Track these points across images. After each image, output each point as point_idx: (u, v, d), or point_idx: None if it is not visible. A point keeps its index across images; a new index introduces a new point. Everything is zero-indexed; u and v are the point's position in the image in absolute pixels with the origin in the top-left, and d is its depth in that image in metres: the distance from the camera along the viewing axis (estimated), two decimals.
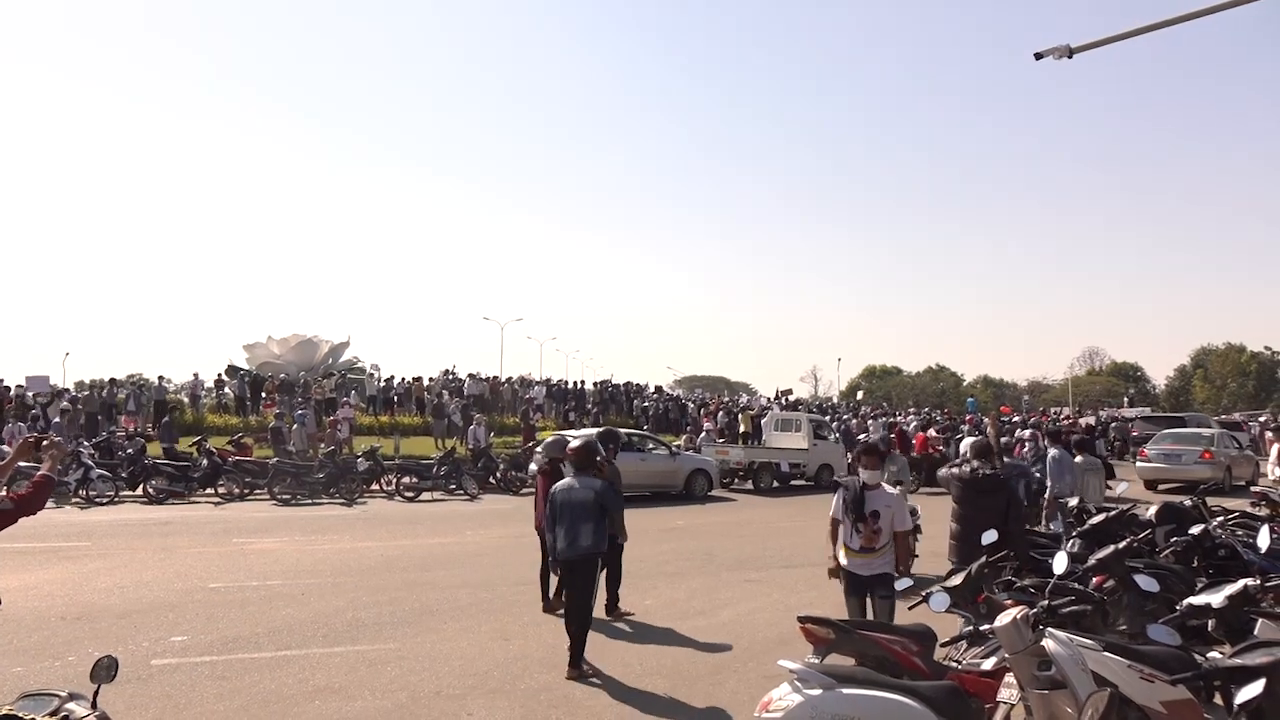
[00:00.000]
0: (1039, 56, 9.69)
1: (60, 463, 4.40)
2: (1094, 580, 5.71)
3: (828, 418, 30.15)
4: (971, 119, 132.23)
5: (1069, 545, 7.11)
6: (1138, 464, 21.80)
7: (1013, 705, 4.12)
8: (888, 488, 6.24)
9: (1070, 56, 9.64)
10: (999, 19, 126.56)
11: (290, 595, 9.11)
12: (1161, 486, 20.05)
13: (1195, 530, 7.49)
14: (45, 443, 4.35)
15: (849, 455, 16.52)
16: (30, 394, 23.76)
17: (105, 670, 3.30)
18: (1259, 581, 4.90)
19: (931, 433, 26.43)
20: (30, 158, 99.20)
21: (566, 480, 6.94)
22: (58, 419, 20.51)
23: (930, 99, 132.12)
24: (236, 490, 18.01)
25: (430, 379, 33.70)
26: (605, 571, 7.93)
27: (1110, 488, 12.62)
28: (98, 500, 16.42)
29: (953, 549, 7.25)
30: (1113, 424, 33.65)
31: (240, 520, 15.06)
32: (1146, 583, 5.22)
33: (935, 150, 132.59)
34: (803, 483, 22.48)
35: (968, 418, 35.70)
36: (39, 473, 4.05)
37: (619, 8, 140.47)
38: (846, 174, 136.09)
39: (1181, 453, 20.79)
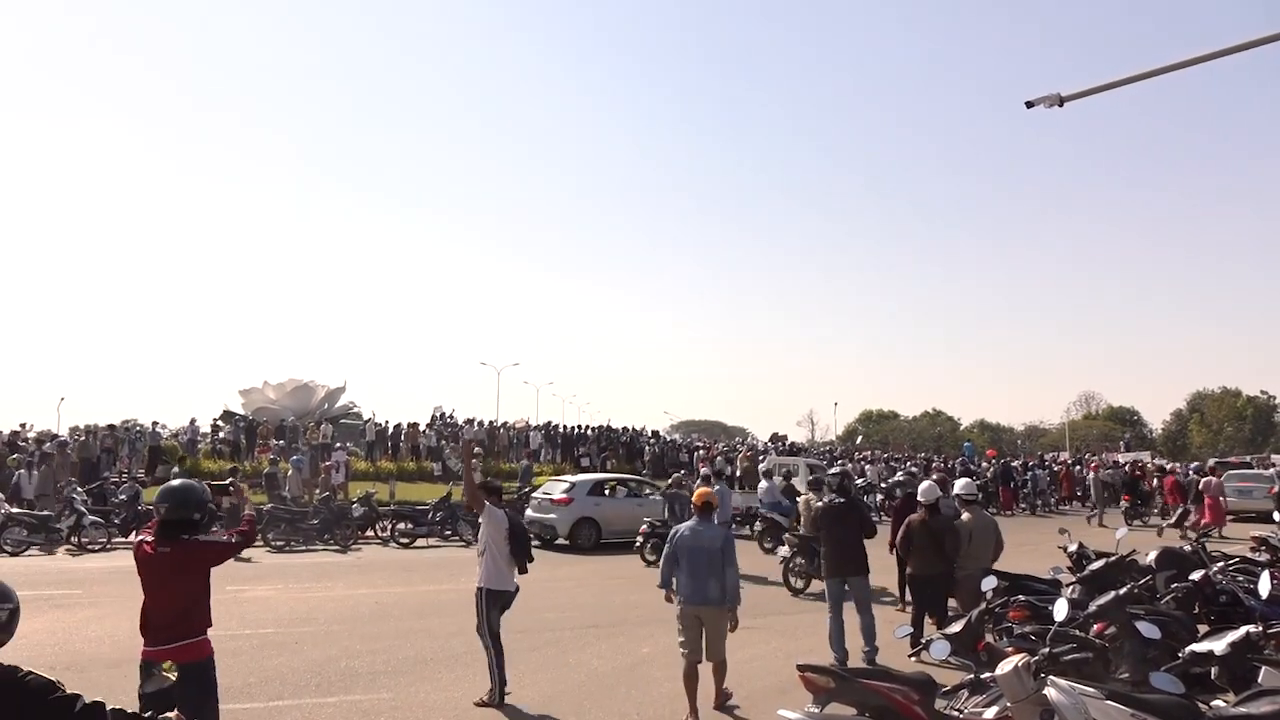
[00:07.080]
0: (1030, 105, 9.82)
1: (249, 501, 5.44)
2: (1095, 627, 5.67)
3: (824, 463, 30.04)
4: (965, 165, 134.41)
5: (1069, 591, 7.06)
6: None
7: None
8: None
9: (1061, 105, 9.78)
10: (993, 67, 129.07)
11: (283, 644, 9.01)
12: (1230, 518, 23.35)
13: (1196, 576, 7.46)
14: (232, 486, 5.29)
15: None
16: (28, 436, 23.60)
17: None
18: (1261, 628, 4.87)
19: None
20: (25, 204, 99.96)
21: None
22: (44, 465, 20.01)
23: (925, 145, 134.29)
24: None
25: (426, 426, 33.61)
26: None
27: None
28: (90, 547, 16.26)
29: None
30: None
31: (233, 567, 14.86)
32: (1148, 629, 5.17)
33: (930, 196, 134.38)
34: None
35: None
36: (244, 513, 4.80)
37: (614, 56, 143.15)
38: (842, 219, 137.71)
39: (1252, 489, 25.60)
